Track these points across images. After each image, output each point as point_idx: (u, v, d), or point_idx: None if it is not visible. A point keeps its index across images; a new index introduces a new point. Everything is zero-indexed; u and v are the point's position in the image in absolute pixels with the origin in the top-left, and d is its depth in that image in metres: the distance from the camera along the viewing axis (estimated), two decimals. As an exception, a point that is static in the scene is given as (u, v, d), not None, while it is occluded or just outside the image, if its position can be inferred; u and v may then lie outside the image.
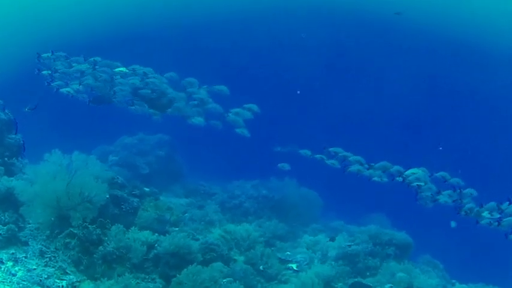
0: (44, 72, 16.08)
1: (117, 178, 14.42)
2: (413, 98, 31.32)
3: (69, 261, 11.21)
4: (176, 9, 37.58)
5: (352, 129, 31.06)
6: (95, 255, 11.32)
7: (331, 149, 15.21)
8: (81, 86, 15.81)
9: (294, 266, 14.18)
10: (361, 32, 33.98)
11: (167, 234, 12.75)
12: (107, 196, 12.62)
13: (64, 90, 15.62)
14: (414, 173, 13.62)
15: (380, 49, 33.10)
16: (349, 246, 15.02)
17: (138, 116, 16.85)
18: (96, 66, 16.04)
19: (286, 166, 17.25)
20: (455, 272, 17.30)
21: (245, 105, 15.87)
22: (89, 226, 11.72)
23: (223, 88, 15.89)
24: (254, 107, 15.91)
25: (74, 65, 16.09)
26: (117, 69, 15.98)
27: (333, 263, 14.59)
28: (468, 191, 13.63)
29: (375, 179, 14.39)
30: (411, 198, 23.10)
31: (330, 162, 15.32)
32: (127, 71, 16.00)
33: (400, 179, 13.99)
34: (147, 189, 15.49)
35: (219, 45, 35.12)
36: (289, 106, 32.07)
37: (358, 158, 14.86)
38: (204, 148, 28.76)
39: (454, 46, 31.85)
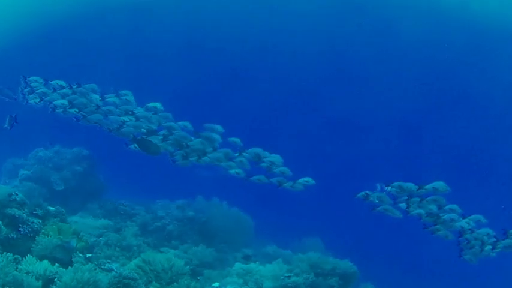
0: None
1: (16, 194, 11.51)
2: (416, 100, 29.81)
3: None
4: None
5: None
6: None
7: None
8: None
9: (225, 302, 11.70)
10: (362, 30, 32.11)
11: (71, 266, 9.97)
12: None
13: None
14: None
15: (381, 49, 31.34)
16: (288, 277, 12.64)
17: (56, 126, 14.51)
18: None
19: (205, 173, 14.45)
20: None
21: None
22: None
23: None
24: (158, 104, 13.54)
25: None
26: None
27: (269, 298, 12.16)
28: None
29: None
30: (345, 220, 21.62)
31: (233, 171, 12.85)
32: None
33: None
34: (52, 208, 12.51)
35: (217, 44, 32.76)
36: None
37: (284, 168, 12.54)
38: (127, 163, 25.89)
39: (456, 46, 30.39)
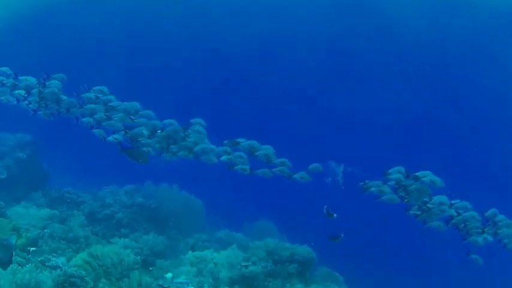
0: None
1: None
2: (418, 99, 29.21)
3: None
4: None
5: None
6: None
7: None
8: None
9: (180, 296, 10.86)
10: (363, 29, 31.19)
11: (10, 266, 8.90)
12: None
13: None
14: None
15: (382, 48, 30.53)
16: (246, 267, 11.90)
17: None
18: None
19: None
20: (356, 284, 14.91)
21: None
22: None
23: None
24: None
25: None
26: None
27: (227, 289, 11.41)
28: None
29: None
30: (297, 202, 21.11)
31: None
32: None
33: None
34: (-11, 201, 11.38)
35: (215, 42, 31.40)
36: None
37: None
38: (73, 149, 24.47)
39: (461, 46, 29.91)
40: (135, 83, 27.49)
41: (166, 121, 12.47)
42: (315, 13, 30.43)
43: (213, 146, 12.13)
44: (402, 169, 11.14)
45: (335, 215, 11.53)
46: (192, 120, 12.38)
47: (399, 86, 29.07)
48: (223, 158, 11.81)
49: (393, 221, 18.36)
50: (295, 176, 11.58)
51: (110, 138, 12.36)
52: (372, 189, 11.17)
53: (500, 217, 11.54)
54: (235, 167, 11.83)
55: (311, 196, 12.79)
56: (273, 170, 11.78)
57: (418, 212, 11.19)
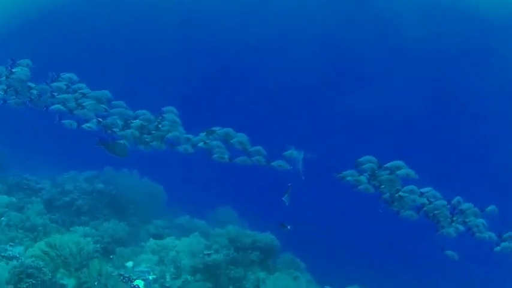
0: None
1: None
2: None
3: None
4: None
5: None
6: None
7: None
8: None
9: (141, 285, 10.65)
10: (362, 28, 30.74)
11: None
12: None
13: None
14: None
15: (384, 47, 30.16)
16: (208, 255, 11.75)
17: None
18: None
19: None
20: (316, 271, 14.96)
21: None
22: None
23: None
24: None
25: None
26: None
27: (189, 277, 11.26)
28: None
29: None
30: (256, 188, 21.07)
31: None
32: None
33: None
34: None
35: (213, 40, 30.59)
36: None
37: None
38: (32, 134, 23.73)
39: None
40: (135, 83, 27.23)
41: (139, 111, 12.24)
42: (313, 10, 30.31)
43: (190, 136, 12.02)
44: (373, 159, 11.27)
45: (289, 227, 11.70)
46: (164, 109, 12.16)
47: (399, 84, 29.13)
48: (200, 144, 11.70)
49: (356, 209, 18.61)
50: (273, 163, 11.55)
51: (84, 126, 12.02)
52: (348, 178, 11.25)
53: (467, 205, 11.77)
54: (214, 156, 11.77)
55: (272, 183, 12.76)
56: (252, 158, 11.69)
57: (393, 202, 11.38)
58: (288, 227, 11.91)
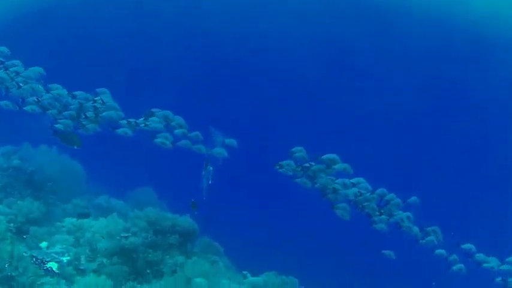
0: None
1: None
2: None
3: None
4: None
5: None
6: None
7: None
8: None
9: (55, 267, 10.45)
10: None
11: None
12: None
13: None
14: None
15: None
16: (126, 238, 11.63)
17: None
18: None
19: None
20: (233, 254, 15.17)
21: None
22: None
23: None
24: None
25: None
26: None
27: (104, 260, 11.16)
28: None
29: None
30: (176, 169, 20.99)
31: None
32: None
33: None
34: None
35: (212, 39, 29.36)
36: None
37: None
38: None
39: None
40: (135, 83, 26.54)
41: (77, 92, 12.20)
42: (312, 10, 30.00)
43: (132, 120, 11.99)
44: (303, 149, 11.67)
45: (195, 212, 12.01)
46: (98, 90, 12.19)
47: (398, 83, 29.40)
48: (142, 126, 11.76)
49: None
50: (212, 151, 11.86)
51: (27, 108, 11.74)
52: (283, 169, 11.64)
53: (390, 196, 12.29)
54: (156, 140, 11.79)
55: (192, 164, 12.86)
56: (194, 146, 11.98)
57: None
58: (195, 212, 12.21)
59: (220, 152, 11.91)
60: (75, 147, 12.12)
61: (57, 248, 11.67)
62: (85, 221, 13.30)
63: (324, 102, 28.09)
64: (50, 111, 11.94)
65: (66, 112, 11.89)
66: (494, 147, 27.79)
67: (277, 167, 11.77)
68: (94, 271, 10.84)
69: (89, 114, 11.88)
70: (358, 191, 11.82)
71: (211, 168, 12.17)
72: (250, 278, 13.42)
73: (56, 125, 11.82)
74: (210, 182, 12.18)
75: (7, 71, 11.86)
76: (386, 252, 12.51)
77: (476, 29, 29.45)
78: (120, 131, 11.77)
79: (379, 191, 12.13)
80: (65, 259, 11.15)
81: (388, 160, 25.76)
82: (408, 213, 12.26)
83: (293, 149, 11.92)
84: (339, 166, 11.82)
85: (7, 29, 27.89)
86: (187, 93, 27.18)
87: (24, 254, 10.14)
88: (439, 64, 28.85)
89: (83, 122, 11.85)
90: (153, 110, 12.05)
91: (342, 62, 29.36)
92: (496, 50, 29.20)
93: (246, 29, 29.49)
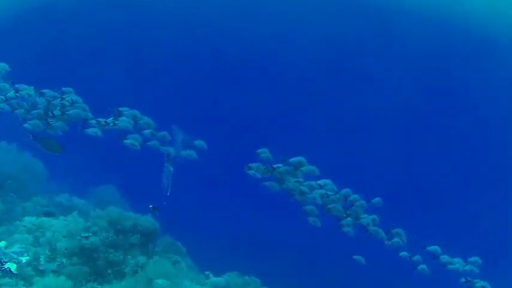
0: None
1: None
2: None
3: None
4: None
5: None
6: None
7: None
8: None
9: (13, 268, 10.19)
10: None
11: None
12: None
13: None
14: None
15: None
16: (86, 237, 11.44)
17: None
18: None
19: None
20: (195, 254, 15.08)
21: None
22: None
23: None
24: None
25: None
26: None
27: (64, 261, 10.93)
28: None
29: None
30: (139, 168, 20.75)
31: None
32: None
33: None
34: None
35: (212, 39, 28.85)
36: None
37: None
38: None
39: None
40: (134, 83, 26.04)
41: (44, 90, 12.26)
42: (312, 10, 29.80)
43: (101, 119, 11.96)
44: (267, 150, 11.79)
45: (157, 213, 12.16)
46: (64, 89, 12.23)
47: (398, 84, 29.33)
48: (111, 125, 11.88)
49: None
50: (182, 153, 12.15)
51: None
52: (251, 171, 11.75)
53: (354, 196, 12.44)
54: (125, 142, 11.90)
55: (156, 163, 12.82)
56: (164, 147, 12.25)
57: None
58: (156, 212, 12.29)
59: (190, 154, 12.00)
60: (57, 153, 12.06)
61: (16, 247, 11.43)
62: (45, 219, 13.05)
63: (323, 103, 28.35)
64: (18, 110, 11.82)
65: (34, 111, 11.76)
66: (494, 148, 28.38)
67: (246, 168, 11.90)
68: (53, 272, 10.66)
69: (56, 112, 11.75)
70: (325, 193, 11.99)
71: (171, 168, 12.23)
72: (213, 279, 13.47)
73: (25, 125, 11.70)
74: (170, 182, 12.25)
75: None
76: (357, 257, 12.68)
77: (476, 29, 29.73)
78: (90, 131, 11.79)
79: (344, 191, 12.34)
80: (24, 259, 10.92)
81: (388, 160, 26.26)
82: (374, 216, 12.48)
83: (258, 150, 12.04)
84: (306, 168, 11.99)
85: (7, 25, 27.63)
86: (187, 93, 27.24)
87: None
88: (439, 64, 29.21)
89: (50, 122, 11.70)
90: (121, 109, 12.05)
91: (342, 62, 29.48)
92: (496, 50, 29.57)
93: (246, 29, 29.38)
